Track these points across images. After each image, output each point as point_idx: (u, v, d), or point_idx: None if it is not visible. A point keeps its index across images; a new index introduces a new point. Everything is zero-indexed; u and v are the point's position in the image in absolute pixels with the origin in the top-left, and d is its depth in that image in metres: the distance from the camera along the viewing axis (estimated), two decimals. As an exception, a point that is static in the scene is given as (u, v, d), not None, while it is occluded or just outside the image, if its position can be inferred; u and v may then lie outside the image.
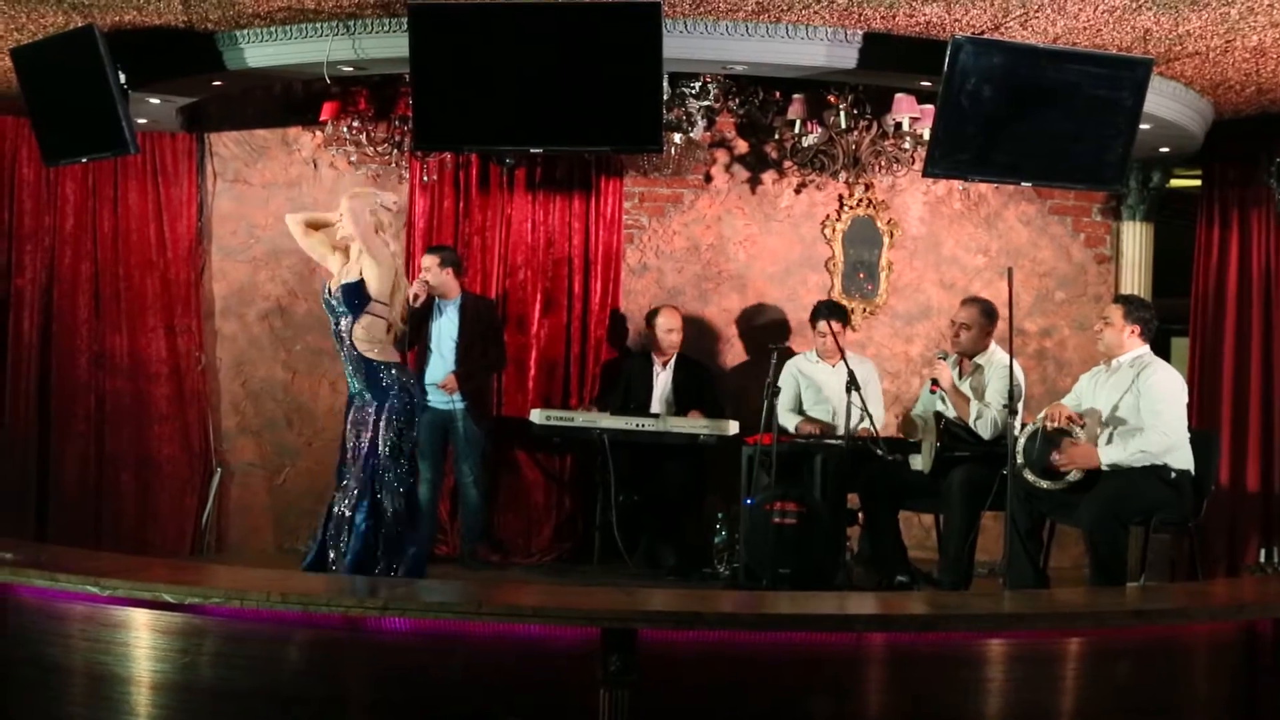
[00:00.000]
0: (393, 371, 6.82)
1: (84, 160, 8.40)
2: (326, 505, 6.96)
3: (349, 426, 6.91)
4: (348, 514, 6.75)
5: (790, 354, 8.73)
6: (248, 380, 9.29)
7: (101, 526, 8.97)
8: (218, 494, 9.18)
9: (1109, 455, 6.78)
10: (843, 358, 7.87)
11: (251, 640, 5.00)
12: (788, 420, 8.32)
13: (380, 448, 6.75)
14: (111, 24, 7.36)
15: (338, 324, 6.81)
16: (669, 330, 8.73)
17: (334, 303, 6.80)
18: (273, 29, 7.47)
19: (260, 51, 7.58)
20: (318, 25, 7.39)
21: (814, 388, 8.49)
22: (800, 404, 8.53)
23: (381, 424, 6.76)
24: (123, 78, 7.54)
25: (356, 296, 6.71)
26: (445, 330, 8.47)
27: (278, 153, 9.26)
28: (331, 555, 6.79)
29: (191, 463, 9.12)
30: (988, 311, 7.72)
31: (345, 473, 6.89)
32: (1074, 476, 6.83)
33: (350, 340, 6.77)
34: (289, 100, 9.11)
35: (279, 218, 9.10)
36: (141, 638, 5.06)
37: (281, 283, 9.22)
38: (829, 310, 8.44)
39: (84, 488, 9.00)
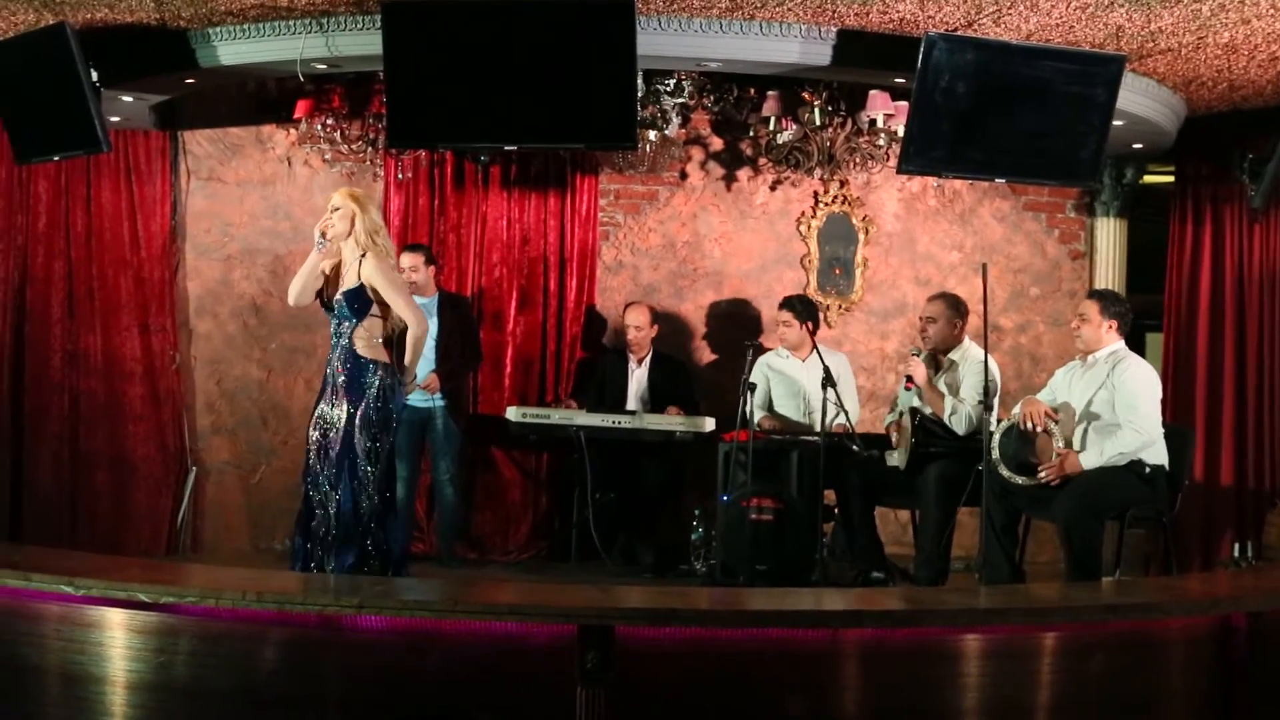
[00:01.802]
0: (379, 372, 6.70)
1: (56, 159, 8.36)
2: (308, 505, 6.89)
3: (313, 425, 6.76)
4: (331, 511, 6.71)
5: (766, 350, 8.75)
6: (222, 379, 9.26)
7: (76, 526, 8.91)
8: (193, 493, 9.13)
9: (1089, 461, 6.80)
10: (818, 353, 7.89)
11: (227, 639, 4.98)
12: (757, 416, 8.33)
13: (358, 453, 6.68)
14: (83, 21, 7.33)
15: (339, 325, 6.72)
16: (633, 328, 8.72)
17: (337, 309, 6.70)
18: (246, 26, 7.44)
19: (234, 49, 7.56)
20: (291, 23, 7.37)
21: (784, 382, 8.48)
22: (770, 400, 8.52)
23: (356, 427, 6.65)
24: (95, 75, 7.50)
25: (359, 301, 6.65)
26: (425, 329, 8.45)
27: (252, 151, 9.23)
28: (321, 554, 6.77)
29: (166, 462, 9.07)
30: (954, 304, 7.73)
31: (316, 472, 6.81)
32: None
33: (349, 340, 6.68)
34: (263, 98, 9.08)
35: (253, 216, 9.13)
36: (116, 638, 5.04)
37: (256, 281, 9.18)
38: (784, 302, 8.45)
39: (58, 488, 8.93)
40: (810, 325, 8.38)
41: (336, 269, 6.76)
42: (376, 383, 6.69)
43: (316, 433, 6.73)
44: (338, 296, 6.69)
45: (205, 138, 9.18)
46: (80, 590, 4.96)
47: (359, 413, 6.64)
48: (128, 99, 8.23)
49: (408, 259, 8.40)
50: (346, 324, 6.68)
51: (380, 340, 6.77)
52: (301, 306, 6.98)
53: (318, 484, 6.71)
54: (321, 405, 6.77)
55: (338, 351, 6.73)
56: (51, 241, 8.96)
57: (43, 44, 7.36)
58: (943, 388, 7.57)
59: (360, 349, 6.68)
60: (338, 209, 6.68)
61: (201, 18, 7.35)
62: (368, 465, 6.68)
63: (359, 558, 6.69)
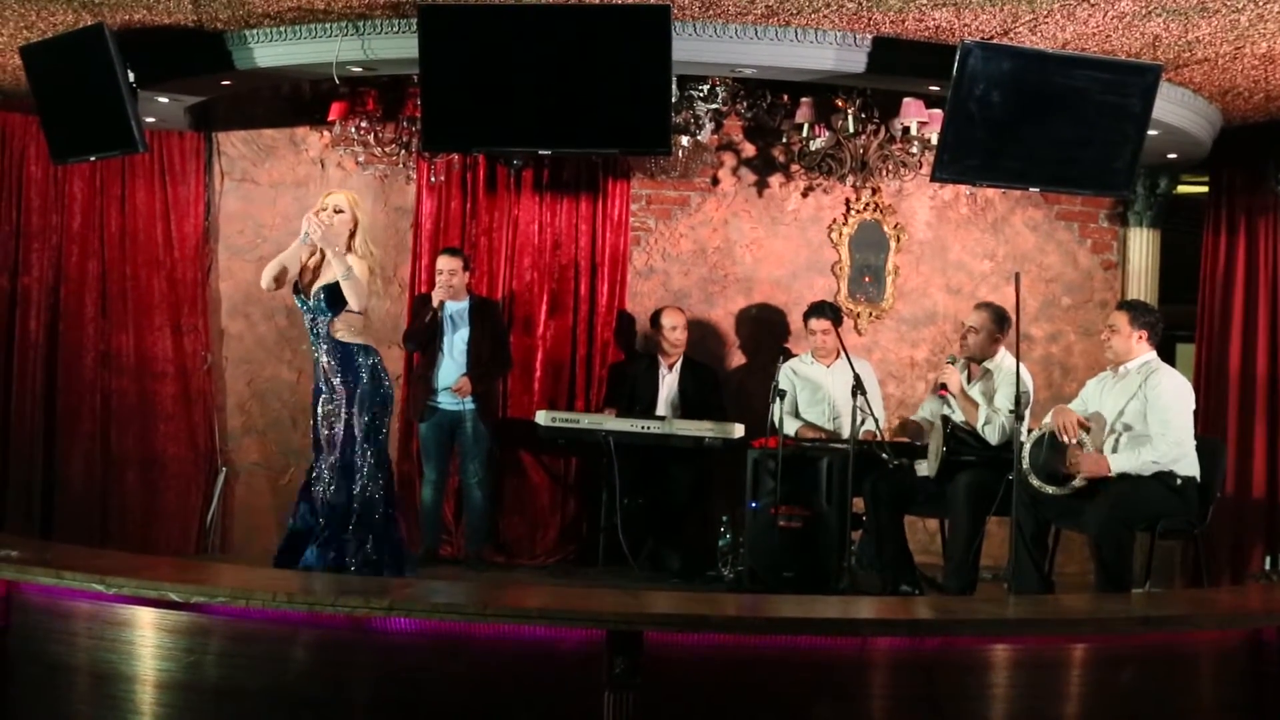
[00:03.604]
0: (370, 357, 6.97)
1: (92, 159, 8.41)
2: (304, 494, 7.12)
3: (320, 419, 7.01)
4: (326, 497, 6.90)
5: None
6: (253, 380, 9.30)
7: (107, 525, 8.96)
8: (222, 494, 9.18)
9: (1119, 464, 6.77)
10: (846, 358, 7.88)
11: (256, 640, 5.01)
12: (788, 425, 8.30)
13: (356, 434, 6.87)
14: (121, 22, 7.36)
15: (314, 321, 6.93)
16: (672, 328, 8.72)
17: (314, 304, 6.91)
18: (282, 29, 7.47)
19: (269, 51, 7.58)
20: (327, 25, 7.39)
21: (810, 388, 8.47)
22: (796, 406, 8.50)
23: (355, 410, 6.89)
24: (132, 76, 7.54)
25: (339, 297, 6.83)
26: (457, 333, 8.47)
27: (285, 152, 9.27)
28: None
29: (197, 462, 9.12)
30: (999, 317, 7.68)
31: (319, 462, 7.02)
32: (1080, 482, 6.82)
33: (328, 332, 6.90)
34: (297, 100, 9.11)
35: (286, 217, 9.15)
36: (147, 636, 5.07)
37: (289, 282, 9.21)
38: (819, 310, 8.44)
39: (89, 486, 8.98)
40: (839, 331, 8.38)
41: (317, 263, 6.98)
42: (368, 363, 6.97)
43: (326, 429, 6.99)
44: (317, 290, 6.92)
45: (239, 139, 9.23)
46: (112, 589, 5.00)
47: (355, 394, 6.91)
48: (163, 100, 8.27)
49: (446, 262, 8.41)
50: (323, 318, 6.92)
51: (362, 329, 7.04)
52: (272, 293, 7.25)
53: (320, 474, 6.98)
54: (322, 402, 7.02)
55: (322, 345, 6.97)
56: (86, 241, 9.02)
57: (81, 45, 7.40)
58: (978, 396, 7.54)
59: (342, 336, 6.94)
60: (341, 212, 6.92)
61: (238, 20, 7.38)
62: (367, 445, 6.93)
63: (340, 554, 6.84)
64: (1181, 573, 8.55)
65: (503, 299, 9.04)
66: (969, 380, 7.65)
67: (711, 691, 4.90)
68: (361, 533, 6.92)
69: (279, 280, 6.98)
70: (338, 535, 6.89)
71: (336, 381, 6.90)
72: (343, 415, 6.89)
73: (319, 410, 7.01)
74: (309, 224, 6.78)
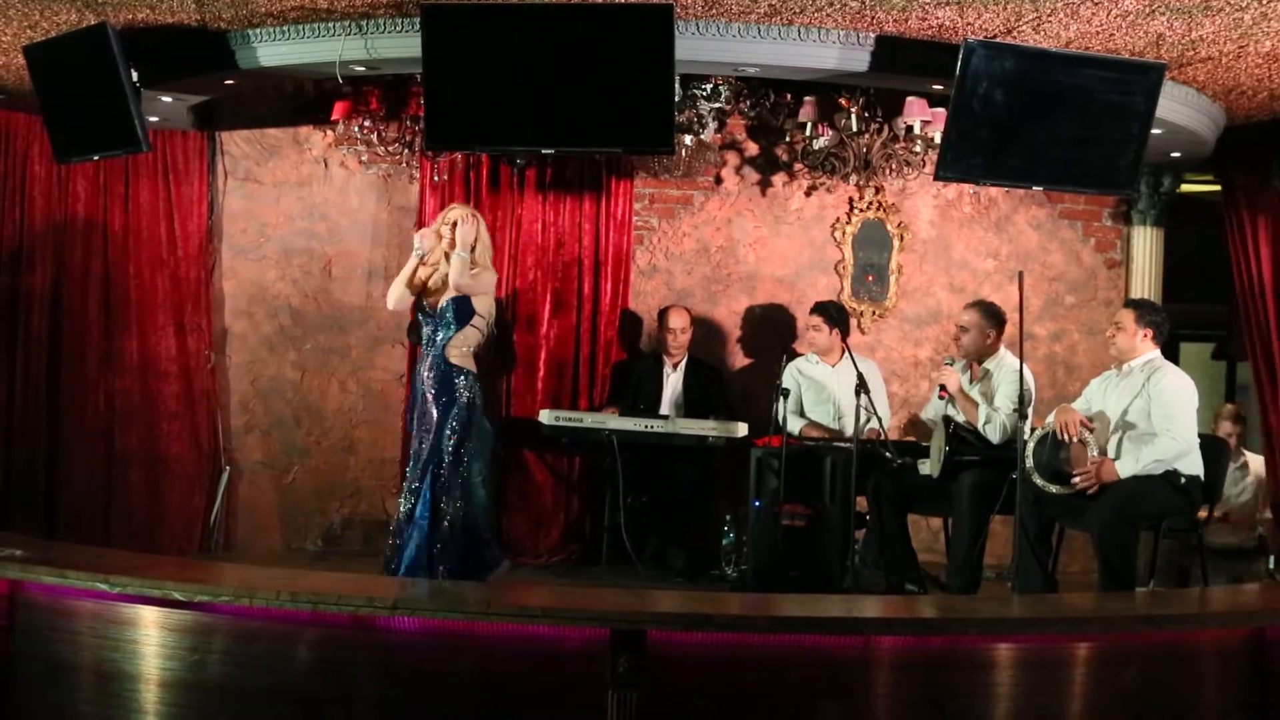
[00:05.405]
0: (470, 378, 7.13)
1: (95, 158, 8.40)
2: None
3: (415, 429, 7.20)
4: (405, 512, 7.04)
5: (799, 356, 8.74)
6: (257, 379, 9.30)
7: (110, 524, 8.95)
8: (226, 493, 9.17)
9: (1126, 468, 6.76)
10: (851, 357, 7.88)
11: (260, 639, 5.02)
12: (792, 423, 8.31)
13: (443, 453, 6.95)
14: (124, 22, 7.37)
15: (434, 332, 7.10)
16: (679, 328, 8.72)
17: (439, 317, 7.08)
18: (285, 28, 7.47)
19: (273, 50, 7.58)
20: (330, 25, 7.39)
21: (814, 388, 8.46)
22: (801, 405, 8.50)
23: (446, 430, 7.01)
24: (135, 76, 7.54)
25: (467, 309, 7.04)
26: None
27: (289, 152, 9.27)
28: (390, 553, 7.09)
29: (200, 461, 9.11)
30: (989, 313, 7.68)
31: (412, 473, 7.15)
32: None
33: (442, 348, 7.08)
34: (300, 99, 9.11)
35: (290, 217, 9.17)
36: (150, 635, 5.08)
37: (292, 282, 9.22)
38: (816, 308, 8.45)
39: (93, 485, 8.98)
40: (840, 331, 8.36)
41: (443, 279, 7.15)
42: (465, 389, 7.10)
43: (416, 441, 7.15)
44: (444, 304, 7.07)
45: (243, 138, 9.23)
46: (115, 588, 5.00)
47: (449, 417, 7.05)
48: (167, 99, 8.28)
49: None
50: (443, 332, 7.11)
51: (472, 351, 7.16)
52: (400, 311, 7.48)
53: (409, 486, 7.12)
54: (416, 410, 7.24)
55: (429, 360, 7.14)
56: (89, 240, 9.02)
57: (84, 44, 7.40)
58: (977, 396, 7.54)
59: (452, 358, 7.09)
60: (466, 221, 7.13)
61: (242, 19, 7.38)
62: (454, 469, 7.04)
63: (441, 561, 6.90)
64: (1185, 572, 8.52)
65: (506, 297, 9.03)
66: (970, 380, 7.65)
67: (715, 690, 4.91)
68: (448, 558, 7.00)
69: (403, 299, 7.26)
70: (416, 557, 6.96)
71: (430, 399, 7.05)
72: (432, 433, 7.01)
73: (415, 419, 7.23)
74: (421, 240, 7.17)
